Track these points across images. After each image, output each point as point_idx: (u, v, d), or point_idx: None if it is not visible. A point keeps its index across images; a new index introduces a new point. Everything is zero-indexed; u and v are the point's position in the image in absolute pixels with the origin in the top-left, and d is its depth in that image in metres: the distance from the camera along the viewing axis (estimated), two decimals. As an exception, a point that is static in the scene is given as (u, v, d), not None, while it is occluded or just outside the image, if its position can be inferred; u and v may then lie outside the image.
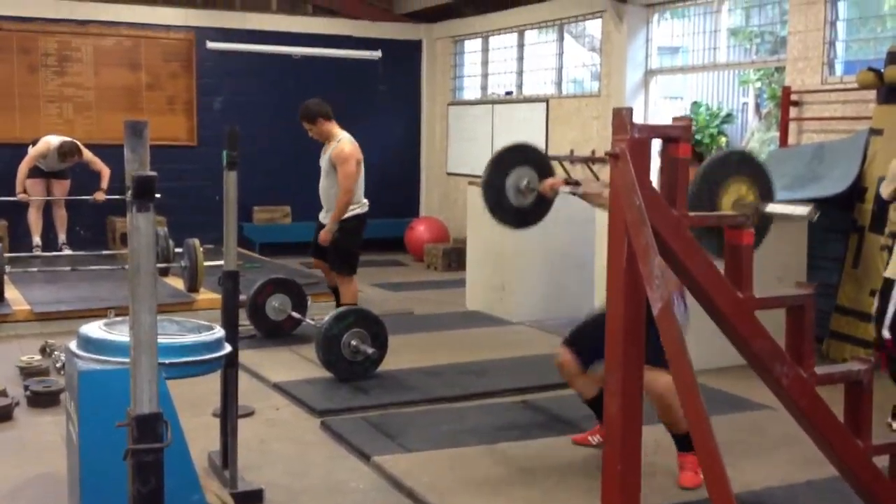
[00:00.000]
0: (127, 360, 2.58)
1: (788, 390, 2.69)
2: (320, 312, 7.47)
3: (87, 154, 9.82)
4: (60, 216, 10.18)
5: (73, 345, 3.42)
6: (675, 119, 2.64)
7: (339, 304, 7.31)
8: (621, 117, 2.49)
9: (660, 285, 2.34)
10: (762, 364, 2.67)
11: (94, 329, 3.42)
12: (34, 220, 9.97)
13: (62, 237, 10.19)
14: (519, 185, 4.82)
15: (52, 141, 9.65)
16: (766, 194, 3.33)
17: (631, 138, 2.48)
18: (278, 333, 7.10)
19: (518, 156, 4.87)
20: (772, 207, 3.30)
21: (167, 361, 3.14)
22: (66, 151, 9.56)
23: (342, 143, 7.09)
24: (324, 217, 7.21)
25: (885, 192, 5.31)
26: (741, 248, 2.65)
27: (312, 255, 7.52)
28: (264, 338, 7.03)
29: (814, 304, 2.83)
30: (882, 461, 3.11)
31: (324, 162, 7.16)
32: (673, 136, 2.57)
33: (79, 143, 9.79)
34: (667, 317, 2.33)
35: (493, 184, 4.79)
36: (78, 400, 3.19)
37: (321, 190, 7.19)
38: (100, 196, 9.95)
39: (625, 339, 2.48)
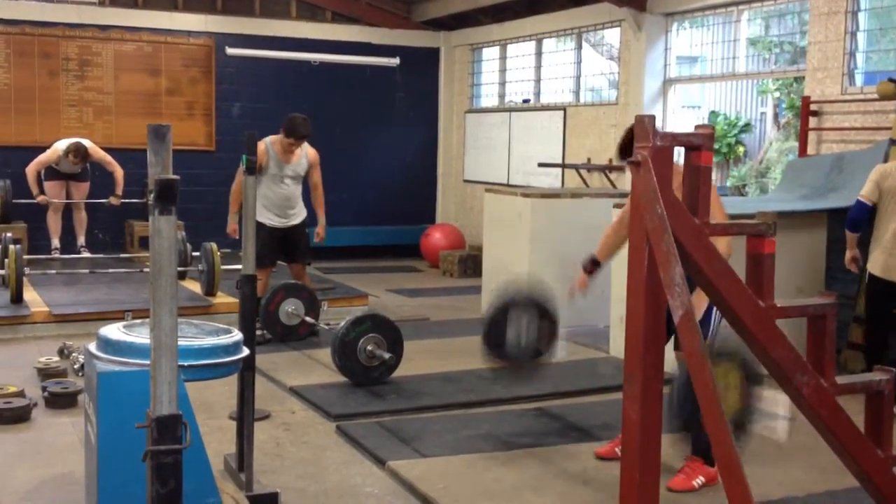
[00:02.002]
0: (146, 362, 2.60)
1: (809, 400, 2.67)
2: (335, 317, 7.50)
3: (98, 154, 9.82)
4: (80, 219, 10.23)
5: (92, 346, 3.44)
6: (697, 127, 2.64)
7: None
8: (643, 125, 2.49)
9: (681, 293, 2.33)
10: (783, 373, 2.66)
11: (114, 331, 3.43)
12: (53, 222, 10.02)
13: (81, 240, 10.23)
14: (520, 335, 4.75)
15: (60, 146, 9.67)
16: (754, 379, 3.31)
17: (653, 146, 2.48)
18: (292, 338, 7.11)
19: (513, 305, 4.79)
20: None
21: (186, 364, 3.15)
22: (71, 151, 9.56)
23: (309, 147, 7.35)
24: (289, 221, 7.32)
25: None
26: (763, 257, 2.64)
27: (277, 260, 7.48)
28: (278, 342, 7.05)
29: (835, 314, 2.81)
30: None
31: (299, 169, 7.28)
32: (695, 144, 2.56)
33: (86, 144, 9.77)
34: (688, 325, 2.32)
35: (495, 339, 4.72)
36: (97, 401, 3.20)
37: (292, 196, 7.32)
38: (115, 200, 10.00)
39: (644, 346, 2.47)
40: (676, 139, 2.55)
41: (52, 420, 5.16)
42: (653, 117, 2.49)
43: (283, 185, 7.22)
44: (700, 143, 2.54)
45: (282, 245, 7.33)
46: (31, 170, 9.64)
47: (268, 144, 7.15)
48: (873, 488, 2.85)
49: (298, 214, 7.39)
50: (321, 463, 4.62)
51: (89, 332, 6.49)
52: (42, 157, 9.68)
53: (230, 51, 11.33)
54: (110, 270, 8.97)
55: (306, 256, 7.51)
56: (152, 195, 2.28)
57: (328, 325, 6.98)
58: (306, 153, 7.29)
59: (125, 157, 10.08)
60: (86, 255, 9.94)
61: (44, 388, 5.46)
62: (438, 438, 4.92)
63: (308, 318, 7.09)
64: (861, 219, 5.69)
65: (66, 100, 10.82)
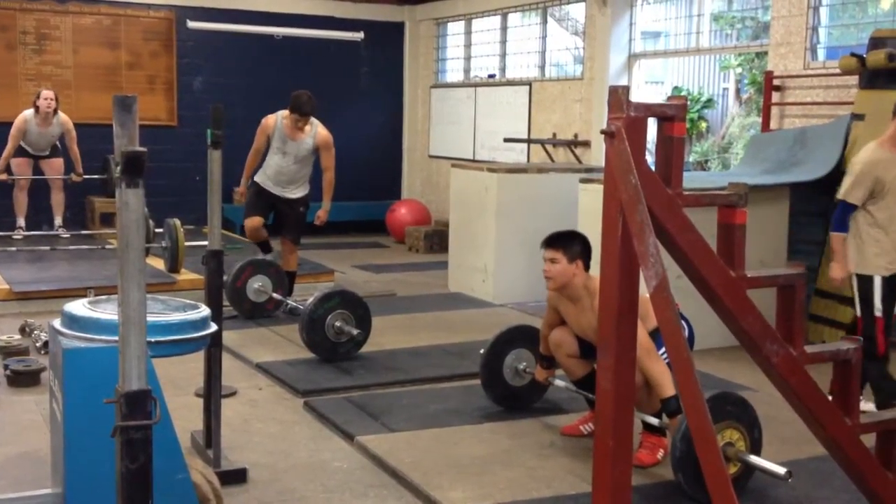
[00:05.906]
0: (112, 338, 2.55)
1: (778, 368, 2.70)
2: (301, 294, 7.46)
3: (64, 116, 9.58)
4: (57, 199, 9.87)
5: (57, 323, 3.38)
6: (670, 98, 2.64)
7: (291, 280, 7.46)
8: (617, 96, 2.48)
9: (655, 263, 2.34)
10: (752, 342, 2.68)
11: (79, 307, 3.37)
12: (19, 201, 9.79)
13: (58, 220, 9.91)
14: (517, 366, 4.96)
15: (27, 112, 9.42)
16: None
17: (627, 117, 2.47)
18: (259, 315, 7.07)
19: (522, 337, 5.00)
20: (755, 459, 3.64)
21: (153, 339, 3.11)
22: (46, 97, 9.26)
23: (322, 127, 7.30)
24: (283, 192, 7.35)
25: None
26: (734, 228, 2.65)
27: (265, 214, 7.49)
28: (245, 319, 7.00)
29: (804, 284, 2.84)
30: (869, 439, 3.14)
31: (302, 148, 7.23)
32: (668, 114, 2.57)
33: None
34: (662, 295, 2.33)
35: (492, 358, 4.93)
36: (63, 378, 3.15)
37: (291, 172, 7.29)
38: (76, 177, 9.80)
39: (619, 316, 2.48)
40: (650, 110, 2.55)
41: (14, 398, 5.09)
42: (627, 88, 2.48)
43: (283, 159, 7.23)
44: (673, 114, 2.55)
45: (272, 208, 7.42)
46: (9, 144, 9.34)
47: (278, 118, 7.22)
48: (841, 455, 2.89)
49: (295, 192, 7.36)
50: (289, 439, 4.61)
51: (51, 309, 6.40)
52: (14, 130, 9.38)
53: (191, 24, 11.16)
54: (71, 247, 8.84)
55: (294, 234, 7.46)
56: (119, 168, 2.23)
57: (295, 301, 6.95)
58: (315, 134, 7.24)
59: (86, 132, 9.90)
60: (66, 234, 9.73)
61: (6, 367, 5.39)
62: (407, 413, 4.92)
63: (276, 295, 7.06)
64: None
65: (24, 74, 10.61)
